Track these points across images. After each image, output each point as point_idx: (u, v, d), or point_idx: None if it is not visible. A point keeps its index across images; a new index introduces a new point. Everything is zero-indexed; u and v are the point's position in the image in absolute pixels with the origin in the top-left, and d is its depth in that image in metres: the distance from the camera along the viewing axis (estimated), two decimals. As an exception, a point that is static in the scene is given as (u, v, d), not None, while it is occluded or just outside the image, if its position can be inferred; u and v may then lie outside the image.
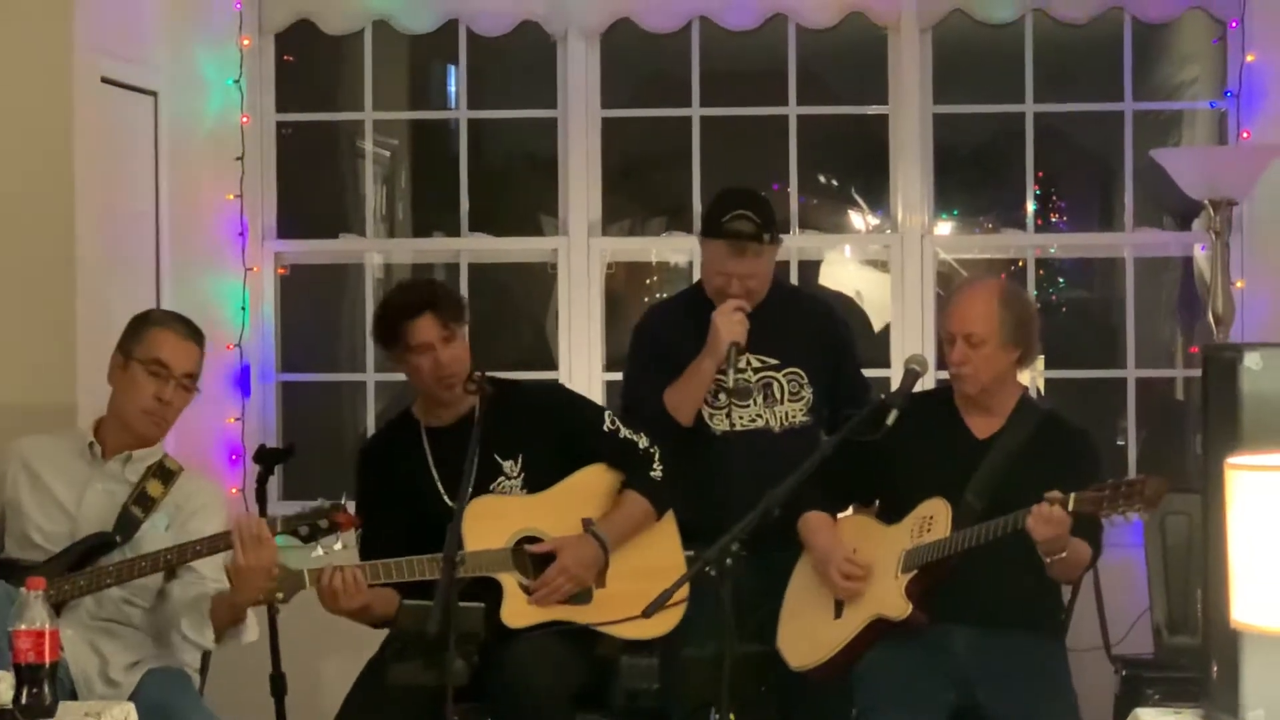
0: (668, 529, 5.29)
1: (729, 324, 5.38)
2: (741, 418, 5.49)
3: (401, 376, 6.87)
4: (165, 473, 4.96)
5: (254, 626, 4.91)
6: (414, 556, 4.94)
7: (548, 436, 5.22)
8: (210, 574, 4.82)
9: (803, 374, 5.53)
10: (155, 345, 4.93)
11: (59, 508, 4.90)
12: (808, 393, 5.53)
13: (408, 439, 5.26)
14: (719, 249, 5.44)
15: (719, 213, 5.44)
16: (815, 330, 5.62)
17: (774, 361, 5.52)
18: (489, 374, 5.02)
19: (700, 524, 5.10)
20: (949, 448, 5.10)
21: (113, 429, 4.98)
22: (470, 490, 4.84)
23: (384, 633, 5.04)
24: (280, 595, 4.83)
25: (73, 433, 5.12)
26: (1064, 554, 4.79)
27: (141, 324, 5.01)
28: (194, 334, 5.00)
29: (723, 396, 5.45)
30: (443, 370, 5.12)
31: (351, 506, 4.87)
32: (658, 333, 5.63)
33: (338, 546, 4.84)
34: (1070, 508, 4.70)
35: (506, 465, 5.18)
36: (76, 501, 4.90)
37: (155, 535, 4.87)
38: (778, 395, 5.51)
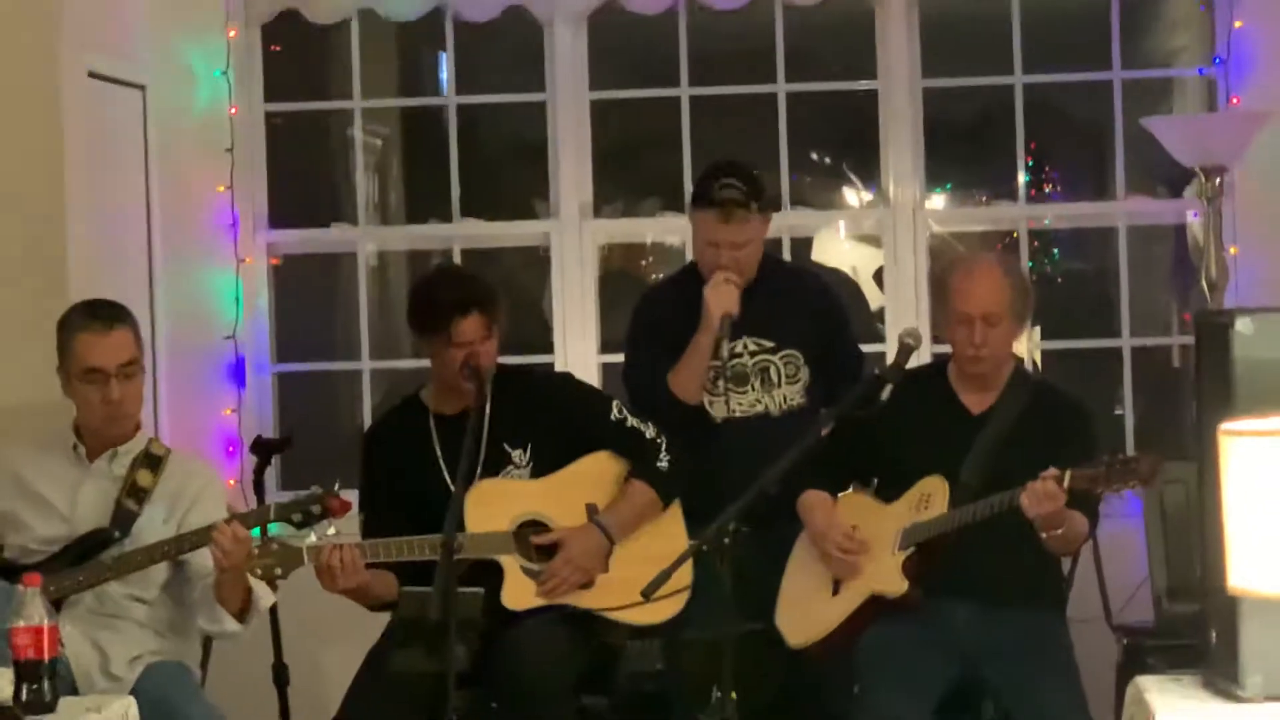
0: (674, 515, 5.28)
1: (718, 296, 5.38)
2: (740, 404, 5.48)
3: (398, 364, 6.97)
4: (152, 459, 4.93)
5: (267, 591, 4.85)
6: (412, 537, 4.94)
7: (556, 426, 5.21)
8: (210, 567, 4.79)
9: (799, 355, 5.52)
10: (81, 354, 4.82)
11: (54, 512, 4.88)
12: (805, 374, 5.53)
13: (415, 424, 5.24)
14: (708, 218, 5.44)
15: (707, 182, 5.47)
16: (810, 308, 5.60)
17: (770, 345, 5.51)
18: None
19: (703, 511, 5.09)
20: (944, 423, 5.08)
21: (89, 430, 4.94)
22: (474, 474, 4.86)
23: (385, 620, 5.04)
24: (279, 572, 4.80)
25: (54, 435, 5.00)
26: (1060, 529, 4.79)
27: (62, 334, 4.89)
28: (114, 319, 4.88)
29: (720, 383, 5.44)
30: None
31: (345, 493, 4.85)
32: (654, 315, 5.63)
33: (331, 532, 4.82)
34: (1065, 485, 4.68)
35: (515, 454, 5.17)
36: (70, 504, 4.88)
37: (154, 529, 4.85)
38: (775, 379, 5.51)
